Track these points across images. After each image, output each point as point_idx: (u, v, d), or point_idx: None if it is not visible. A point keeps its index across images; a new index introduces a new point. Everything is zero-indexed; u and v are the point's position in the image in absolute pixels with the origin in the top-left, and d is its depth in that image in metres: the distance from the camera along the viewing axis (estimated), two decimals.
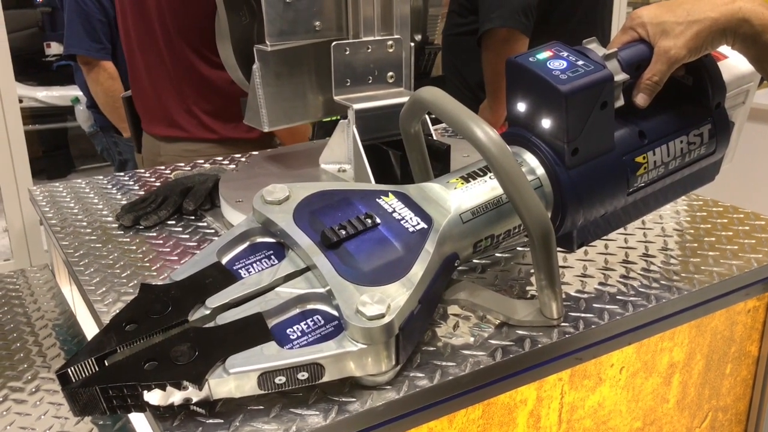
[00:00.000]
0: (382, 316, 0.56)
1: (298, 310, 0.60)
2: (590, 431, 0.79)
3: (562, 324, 0.70)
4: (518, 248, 0.88)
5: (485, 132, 0.61)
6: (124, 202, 1.06)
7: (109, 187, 1.15)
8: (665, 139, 0.74)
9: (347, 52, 0.90)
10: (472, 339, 0.68)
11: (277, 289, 0.61)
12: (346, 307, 0.57)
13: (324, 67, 0.97)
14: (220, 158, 1.28)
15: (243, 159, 1.27)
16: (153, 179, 1.18)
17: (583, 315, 0.72)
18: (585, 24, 1.73)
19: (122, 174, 1.21)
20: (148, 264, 0.85)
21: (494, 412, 0.69)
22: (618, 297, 0.75)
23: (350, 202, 0.67)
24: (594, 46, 0.70)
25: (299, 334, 0.58)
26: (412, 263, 0.61)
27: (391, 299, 0.57)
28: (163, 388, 0.53)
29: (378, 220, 0.64)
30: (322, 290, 0.61)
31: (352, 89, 0.92)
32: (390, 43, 0.93)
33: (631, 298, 0.75)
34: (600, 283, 0.79)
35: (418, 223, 0.65)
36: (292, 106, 0.99)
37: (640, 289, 0.77)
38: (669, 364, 0.84)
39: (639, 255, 0.85)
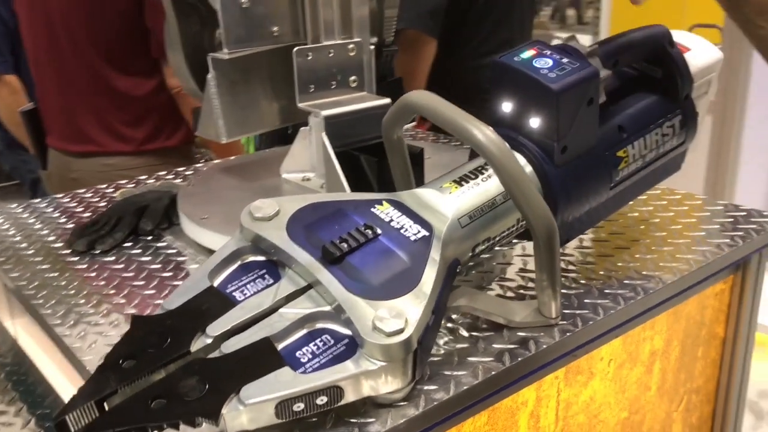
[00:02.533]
0: (401, 330, 0.54)
1: (305, 331, 0.57)
2: (584, 426, 0.79)
3: (560, 322, 0.69)
4: (496, 247, 0.87)
5: (484, 133, 0.59)
6: (70, 226, 0.99)
7: (49, 210, 1.07)
8: (642, 132, 0.75)
9: (309, 57, 0.87)
10: (475, 345, 0.66)
11: (280, 310, 0.58)
12: (361, 324, 0.54)
13: (281, 73, 0.93)
14: (162, 173, 1.22)
15: (191, 173, 1.22)
16: (96, 199, 1.11)
17: (577, 312, 0.72)
18: (502, 23, 1.75)
19: (61, 195, 1.13)
20: (114, 292, 0.79)
21: (498, 417, 0.68)
22: (606, 291, 0.76)
23: (345, 213, 0.64)
24: (575, 44, 0.70)
25: (310, 356, 0.55)
26: (421, 273, 0.59)
27: (407, 312, 0.55)
28: (177, 428, 0.49)
29: (378, 231, 0.62)
30: (328, 308, 0.58)
31: (316, 95, 0.89)
32: (351, 46, 0.91)
33: (619, 291, 0.76)
34: (585, 278, 0.79)
35: (419, 231, 0.63)
36: (250, 115, 0.95)
37: (624, 282, 0.78)
38: (650, 352, 0.85)
39: (614, 247, 0.87)
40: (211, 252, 0.86)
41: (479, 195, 0.66)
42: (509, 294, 0.77)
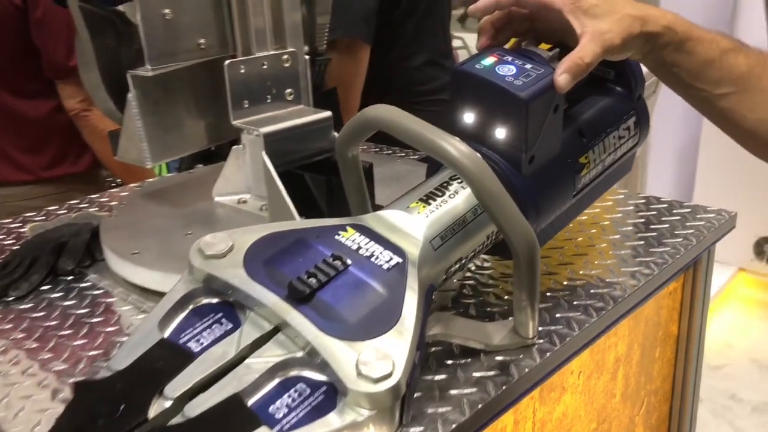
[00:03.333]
0: (389, 375, 0.48)
1: (276, 381, 0.51)
2: None
3: (537, 341, 0.66)
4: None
5: (457, 148, 0.55)
6: None
7: None
8: (601, 136, 0.73)
9: (242, 71, 0.80)
10: (455, 375, 0.62)
11: (246, 361, 0.51)
12: (343, 369, 0.49)
13: (208, 89, 0.86)
14: (75, 201, 1.11)
15: (107, 200, 1.11)
16: (2, 236, 0.99)
17: (552, 328, 0.68)
18: (426, 20, 1.73)
19: None
20: (37, 345, 0.70)
21: None
22: (575, 303, 0.73)
23: (308, 243, 0.58)
24: (534, 48, 0.67)
25: (285, 410, 0.49)
26: (400, 305, 0.54)
27: (392, 353, 0.50)
28: None
29: (348, 261, 0.56)
30: (300, 353, 0.52)
31: (251, 111, 0.82)
32: (285, 57, 0.84)
33: (588, 302, 0.73)
34: (549, 290, 0.76)
35: (391, 258, 0.57)
36: (176, 136, 0.87)
37: (591, 291, 0.75)
38: (615, 359, 0.83)
39: (572, 254, 0.84)
40: (144, 291, 0.78)
41: (449, 213, 0.62)
42: (472, 312, 0.73)
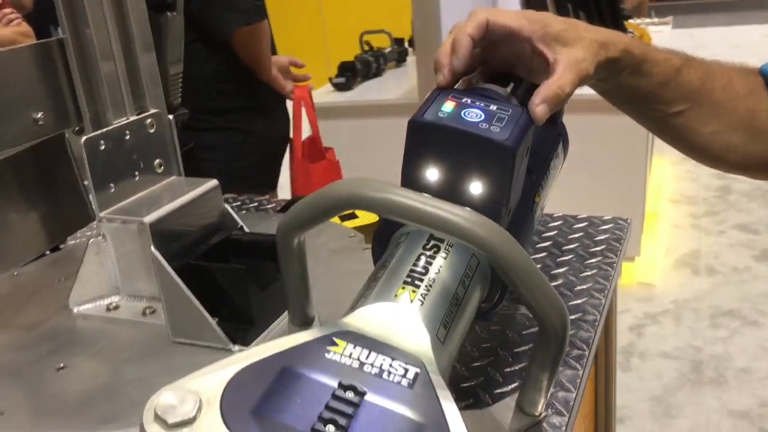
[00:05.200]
0: None
1: None
2: None
3: (544, 413, 0.58)
4: None
5: (469, 219, 0.45)
6: None
7: None
8: (544, 169, 0.67)
9: (103, 146, 0.62)
10: None
11: None
12: None
13: (50, 175, 0.67)
14: None
15: None
16: None
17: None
18: None
19: None
20: None
21: None
22: None
23: (297, 374, 0.44)
24: (489, 85, 0.58)
25: None
26: (445, 427, 0.42)
27: None
28: None
29: (363, 389, 0.43)
30: None
31: (119, 194, 0.64)
32: (149, 121, 0.67)
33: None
34: (507, 342, 0.68)
35: (407, 370, 0.45)
36: (10, 244, 0.66)
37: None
38: None
39: None
40: None
41: (442, 294, 0.51)
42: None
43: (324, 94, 2.73)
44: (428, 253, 0.53)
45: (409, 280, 0.51)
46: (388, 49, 3.13)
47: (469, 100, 0.55)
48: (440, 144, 0.53)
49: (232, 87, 1.65)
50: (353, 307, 0.50)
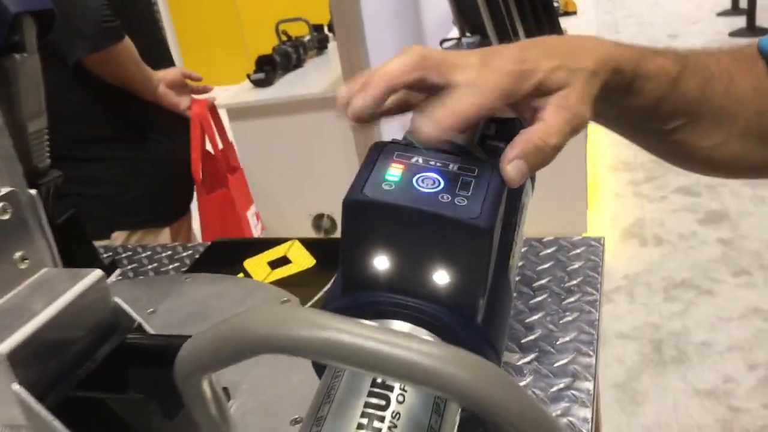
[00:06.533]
0: None
1: None
2: None
3: None
4: None
5: (459, 365, 0.31)
6: None
7: None
8: (516, 216, 0.54)
9: None
10: None
11: None
12: None
13: None
14: None
15: None
16: None
17: None
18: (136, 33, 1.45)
19: None
20: None
21: None
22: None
23: None
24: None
25: None
26: None
27: None
28: None
29: None
30: None
31: None
32: (2, 205, 0.51)
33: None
34: None
35: None
36: None
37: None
38: None
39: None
40: None
41: (413, 430, 0.38)
42: None
43: (244, 93, 2.55)
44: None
45: (365, 421, 0.37)
46: (307, 38, 2.95)
47: (420, 160, 0.41)
48: (389, 227, 0.39)
49: (108, 112, 1.43)
50: None
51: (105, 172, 1.44)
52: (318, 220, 2.62)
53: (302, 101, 2.39)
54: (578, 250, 0.79)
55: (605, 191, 3.09)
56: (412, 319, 0.42)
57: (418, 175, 0.40)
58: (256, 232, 1.94)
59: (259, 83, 2.53)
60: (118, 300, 0.55)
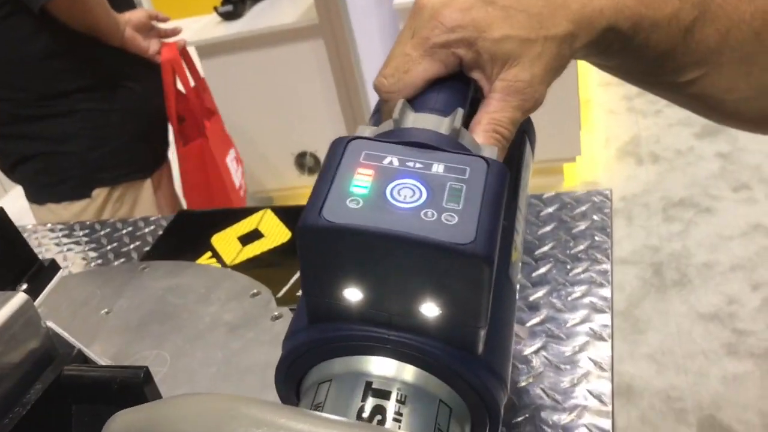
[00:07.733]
0: None
1: None
2: None
3: None
4: None
5: None
6: None
7: None
8: (518, 196, 0.45)
9: None
10: None
11: None
12: None
13: None
14: None
15: None
16: None
17: None
18: None
19: None
20: None
21: None
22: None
23: None
24: (420, 115, 0.35)
25: None
26: None
27: None
28: None
29: None
30: None
31: None
32: None
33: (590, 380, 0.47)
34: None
35: None
36: None
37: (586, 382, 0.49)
38: None
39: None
40: None
41: None
42: None
43: (212, 27, 2.40)
44: (367, 415, 0.32)
45: None
46: None
47: (395, 160, 0.32)
48: (359, 256, 0.30)
49: (74, 63, 1.30)
50: None
51: (76, 127, 1.32)
52: (301, 158, 2.52)
53: (275, 33, 2.25)
54: (583, 207, 0.71)
55: (598, 108, 2.98)
56: (395, 355, 0.33)
57: (392, 184, 0.30)
58: (237, 179, 1.85)
59: (227, 16, 2.38)
60: (51, 325, 0.46)
